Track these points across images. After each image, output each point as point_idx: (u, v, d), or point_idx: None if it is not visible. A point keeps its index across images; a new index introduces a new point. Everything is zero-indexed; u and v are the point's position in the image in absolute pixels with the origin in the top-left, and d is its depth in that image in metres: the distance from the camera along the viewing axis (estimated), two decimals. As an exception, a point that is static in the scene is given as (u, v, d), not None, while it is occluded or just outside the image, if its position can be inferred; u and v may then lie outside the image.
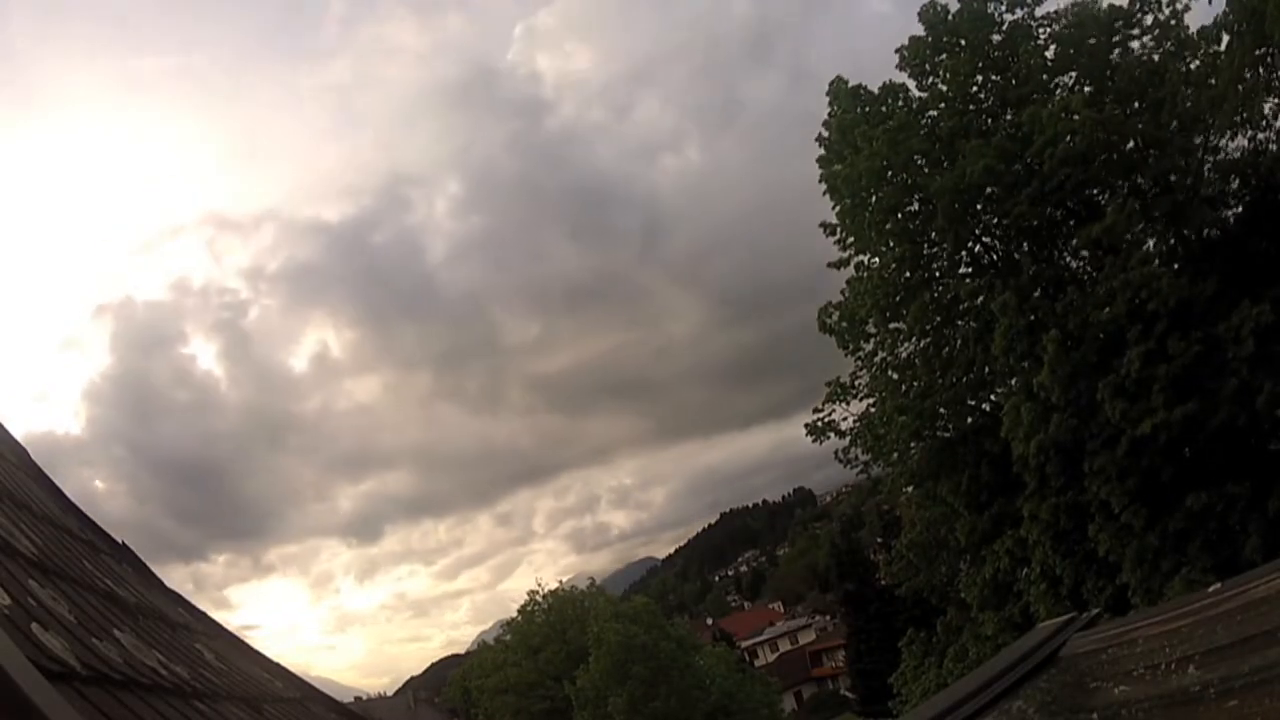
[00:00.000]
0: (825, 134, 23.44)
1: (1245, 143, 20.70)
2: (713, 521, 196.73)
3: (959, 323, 22.66)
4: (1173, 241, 20.57)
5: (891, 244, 22.42)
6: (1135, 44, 21.55)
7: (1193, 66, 20.84)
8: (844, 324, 24.03)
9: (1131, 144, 20.67)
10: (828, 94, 23.33)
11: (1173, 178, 20.41)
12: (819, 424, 25.30)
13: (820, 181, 23.48)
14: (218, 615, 4.38)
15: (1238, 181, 20.57)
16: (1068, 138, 19.41)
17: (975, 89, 22.00)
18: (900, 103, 22.47)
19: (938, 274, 22.94)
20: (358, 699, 51.68)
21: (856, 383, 24.83)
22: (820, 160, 23.58)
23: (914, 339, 23.44)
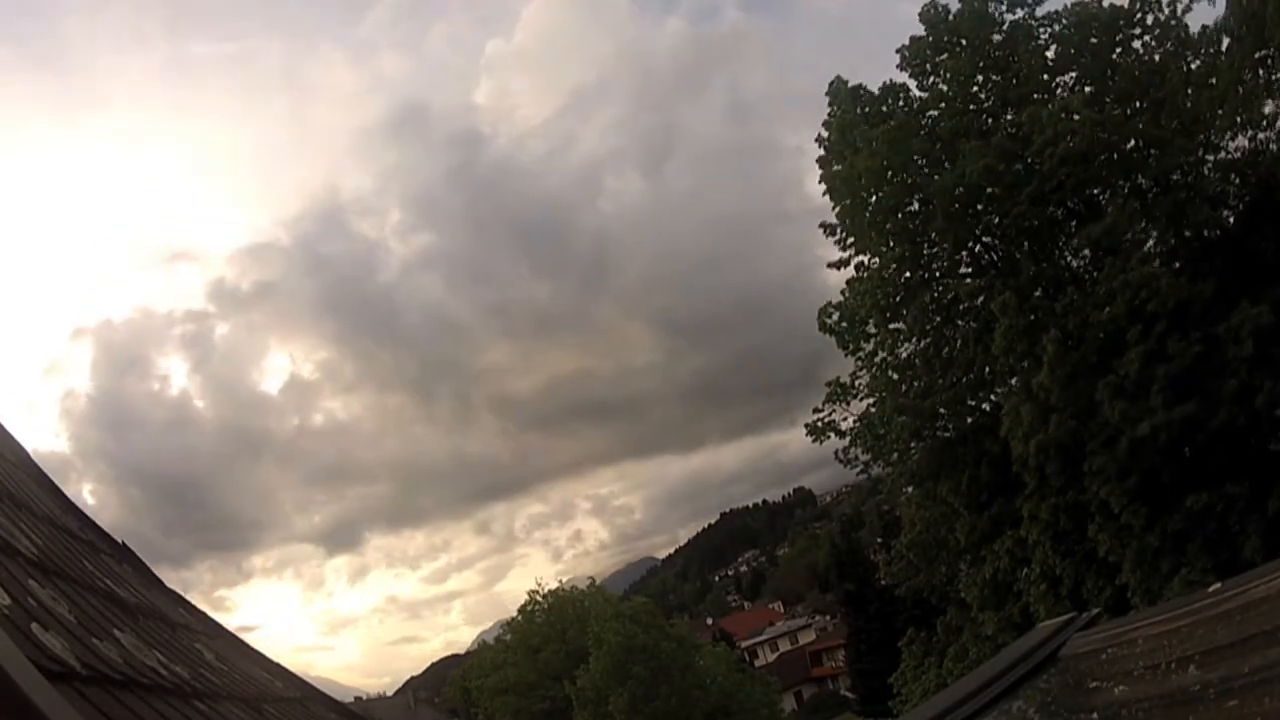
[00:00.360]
0: (825, 134, 23.47)
1: (1245, 142, 20.73)
2: (713, 521, 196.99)
3: (959, 323, 22.68)
4: (1173, 241, 20.57)
5: (891, 244, 22.43)
6: (1136, 43, 21.56)
7: (1193, 66, 20.83)
8: (844, 324, 24.05)
9: (1132, 143, 20.67)
10: (827, 94, 23.36)
11: (1173, 177, 20.41)
12: (819, 424, 25.33)
13: (820, 182, 23.55)
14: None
15: (1238, 181, 20.58)
16: (1068, 138, 19.42)
17: (976, 89, 22.00)
18: (901, 103, 22.49)
19: (938, 274, 22.95)
20: (358, 699, 51.71)
21: (856, 383, 24.85)
22: (819, 161, 23.62)
23: (914, 339, 23.46)
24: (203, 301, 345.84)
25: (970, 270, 22.81)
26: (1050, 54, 21.98)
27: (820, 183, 23.50)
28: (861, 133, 21.88)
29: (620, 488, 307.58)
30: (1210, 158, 21.13)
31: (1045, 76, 21.82)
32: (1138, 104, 21.01)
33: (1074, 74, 21.91)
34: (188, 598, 4.30)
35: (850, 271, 23.79)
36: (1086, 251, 20.77)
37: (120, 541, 4.16)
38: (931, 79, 22.32)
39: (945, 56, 21.88)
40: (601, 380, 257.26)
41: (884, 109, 22.48)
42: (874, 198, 22.20)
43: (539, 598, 43.88)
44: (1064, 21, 21.71)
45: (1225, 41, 19.75)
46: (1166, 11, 20.93)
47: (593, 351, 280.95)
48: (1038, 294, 20.17)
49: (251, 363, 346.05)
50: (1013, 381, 20.76)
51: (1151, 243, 20.48)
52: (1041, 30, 21.98)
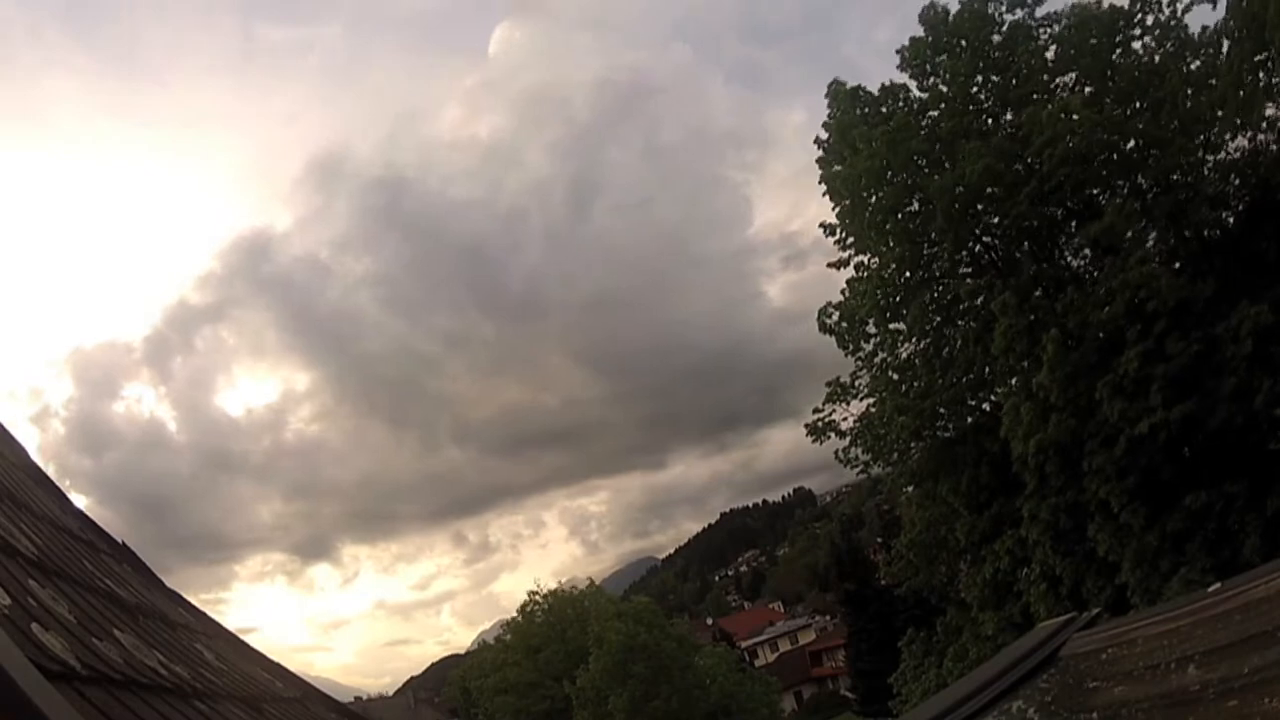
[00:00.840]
0: (825, 135, 23.49)
1: (1245, 143, 20.74)
2: (713, 521, 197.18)
3: (959, 323, 22.67)
4: (1173, 241, 20.59)
5: (891, 244, 22.43)
6: (1136, 44, 21.57)
7: (1193, 67, 20.84)
8: (843, 324, 24.04)
9: (1132, 144, 20.69)
10: (826, 95, 23.38)
11: (1174, 177, 20.43)
12: (819, 424, 25.31)
13: (820, 183, 23.57)
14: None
15: (1238, 182, 20.59)
16: (1067, 138, 19.43)
17: (976, 89, 22.01)
18: (900, 103, 22.49)
19: (938, 274, 22.95)
20: (358, 699, 51.73)
21: (856, 383, 24.84)
22: (819, 161, 23.64)
23: (914, 339, 23.46)
24: (171, 328, 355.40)
25: (970, 270, 22.81)
26: (1050, 54, 21.98)
27: (820, 183, 23.56)
28: (861, 133, 21.87)
29: (587, 501, 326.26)
30: (1210, 158, 21.15)
31: (1045, 77, 21.82)
32: (1138, 104, 21.01)
33: (1074, 74, 21.91)
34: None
35: (850, 271, 23.83)
36: (1086, 251, 20.78)
37: (120, 541, 4.15)
38: (931, 79, 22.32)
39: (945, 57, 21.88)
40: (549, 411, 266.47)
41: (884, 110, 22.48)
42: (874, 198, 22.19)
43: (538, 598, 43.91)
44: (1064, 22, 21.72)
45: (1225, 43, 19.75)
46: (1166, 12, 20.96)
47: (536, 384, 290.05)
48: (1037, 294, 20.17)
49: (225, 388, 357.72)
50: (1012, 381, 20.76)
51: (1151, 243, 20.49)
52: (1041, 31, 21.99)
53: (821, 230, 23.99)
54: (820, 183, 23.53)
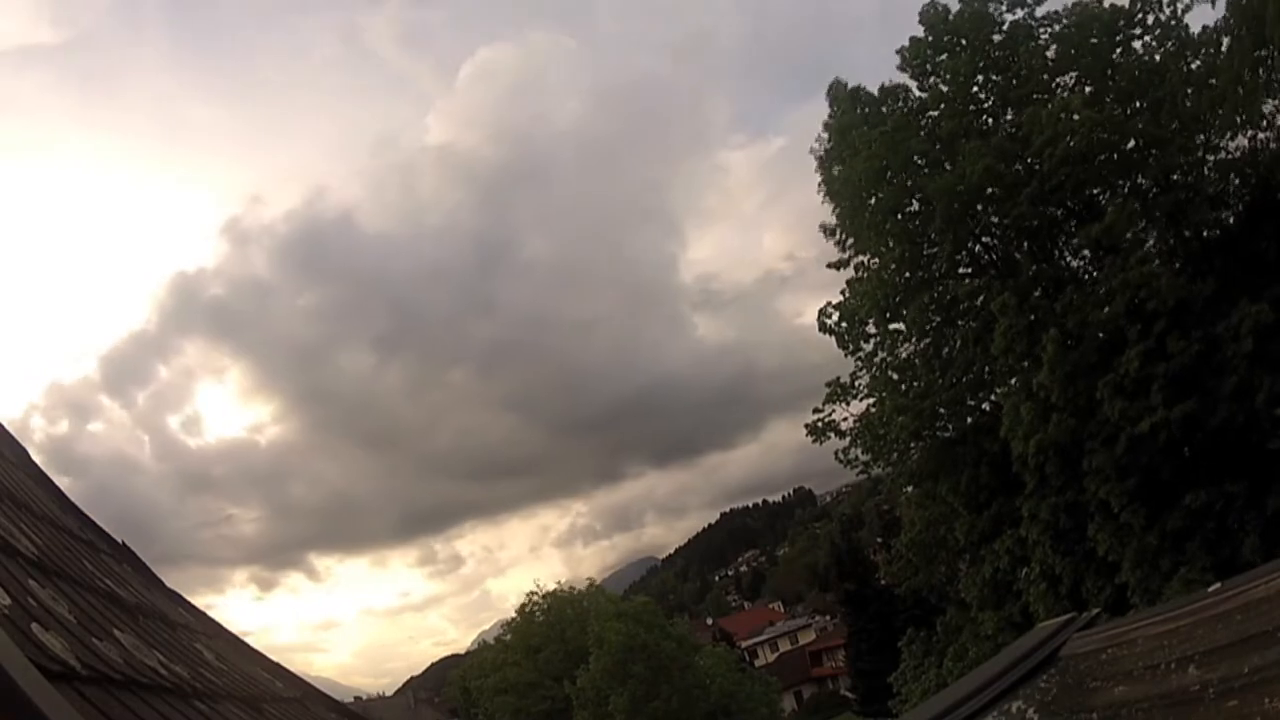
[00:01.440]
0: (825, 136, 23.54)
1: (1245, 142, 20.74)
2: (713, 521, 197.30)
3: (959, 323, 22.69)
4: (1173, 241, 20.60)
5: (891, 244, 22.45)
6: (1136, 44, 21.59)
7: (1193, 66, 20.85)
8: (843, 324, 24.06)
9: (1132, 143, 20.70)
10: (827, 95, 23.39)
11: (1173, 177, 20.43)
12: (819, 424, 25.32)
13: (819, 184, 23.62)
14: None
15: (1238, 181, 20.60)
16: (1068, 138, 19.45)
17: (976, 89, 22.03)
18: (900, 103, 22.51)
19: (937, 274, 22.97)
20: (358, 699, 51.70)
21: (856, 383, 24.86)
22: (819, 163, 23.69)
23: (914, 339, 23.48)
24: (134, 357, 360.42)
25: (970, 270, 22.83)
26: (1050, 54, 21.99)
27: (820, 185, 23.60)
28: (861, 134, 21.89)
29: (556, 516, 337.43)
30: (1210, 157, 21.15)
31: (1045, 76, 21.83)
32: (1138, 104, 21.02)
33: (1074, 74, 21.92)
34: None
35: (850, 272, 23.86)
36: (1086, 251, 20.81)
37: (120, 541, 4.15)
38: (932, 79, 22.34)
39: (945, 57, 21.89)
40: (505, 443, 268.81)
41: (883, 110, 22.50)
42: (874, 198, 22.22)
43: (537, 598, 43.94)
44: (1064, 21, 21.73)
45: (1225, 41, 19.75)
46: (1167, 12, 20.96)
47: (485, 418, 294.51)
48: (1037, 294, 20.19)
49: (227, 423, 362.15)
50: (1012, 381, 20.78)
51: (1151, 242, 20.51)
52: (1042, 30, 22.00)
53: (821, 231, 24.07)
54: (820, 184, 23.60)
